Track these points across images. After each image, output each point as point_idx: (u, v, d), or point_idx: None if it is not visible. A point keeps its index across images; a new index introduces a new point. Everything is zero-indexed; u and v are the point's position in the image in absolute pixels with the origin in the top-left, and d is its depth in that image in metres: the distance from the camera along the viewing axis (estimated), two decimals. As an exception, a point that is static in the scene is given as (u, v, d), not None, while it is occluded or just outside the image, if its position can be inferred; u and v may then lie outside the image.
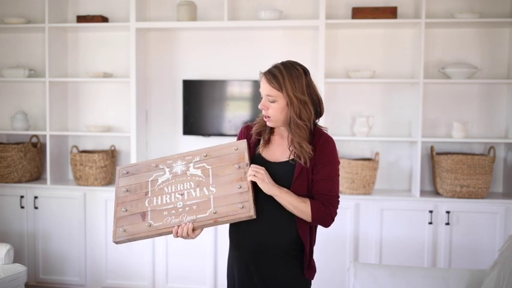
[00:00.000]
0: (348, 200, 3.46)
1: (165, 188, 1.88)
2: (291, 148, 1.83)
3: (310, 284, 1.93)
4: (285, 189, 1.79)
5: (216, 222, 1.79)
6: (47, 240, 3.75)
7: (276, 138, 1.91)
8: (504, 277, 2.03)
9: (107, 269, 3.71)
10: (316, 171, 1.81)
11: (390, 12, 3.51)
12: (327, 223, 1.82)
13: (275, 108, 1.79)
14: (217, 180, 1.85)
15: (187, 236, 1.78)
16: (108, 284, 3.71)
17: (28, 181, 3.87)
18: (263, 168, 1.80)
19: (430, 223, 3.39)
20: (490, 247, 3.35)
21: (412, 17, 3.65)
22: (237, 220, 1.78)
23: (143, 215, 1.85)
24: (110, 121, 4.03)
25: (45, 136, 3.94)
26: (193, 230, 1.78)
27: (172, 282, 3.65)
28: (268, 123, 1.85)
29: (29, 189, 3.76)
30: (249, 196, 1.78)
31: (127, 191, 1.91)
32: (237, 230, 1.90)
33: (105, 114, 4.03)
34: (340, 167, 3.44)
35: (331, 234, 3.40)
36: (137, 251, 3.66)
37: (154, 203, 1.86)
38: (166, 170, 1.91)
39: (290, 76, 1.77)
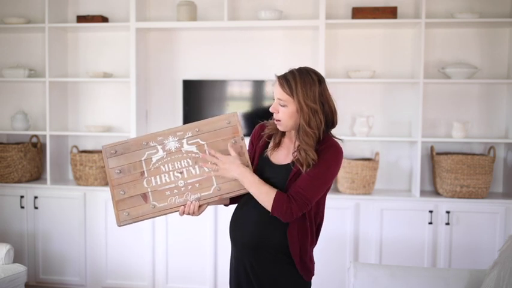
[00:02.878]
0: (348, 200, 3.47)
1: (162, 167, 1.84)
2: (294, 154, 1.81)
3: (307, 285, 1.91)
4: (249, 172, 1.80)
5: (220, 199, 1.88)
6: (47, 240, 3.75)
7: (286, 141, 1.90)
8: (504, 277, 2.03)
9: (107, 269, 3.71)
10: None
11: (390, 12, 3.51)
12: (284, 217, 1.76)
13: (285, 112, 1.78)
14: None
15: (193, 214, 1.85)
16: (108, 284, 3.71)
17: (28, 181, 3.87)
18: (219, 155, 1.81)
19: (430, 223, 3.39)
20: (490, 247, 3.35)
21: (412, 17, 3.65)
22: (241, 194, 1.86)
23: (144, 197, 1.84)
24: (110, 121, 4.03)
25: (45, 136, 3.94)
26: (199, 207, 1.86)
27: (172, 282, 3.65)
28: (278, 127, 1.85)
29: (29, 189, 3.76)
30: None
31: (120, 172, 1.84)
32: (233, 226, 1.93)
33: (105, 114, 4.03)
34: (340, 170, 3.49)
35: (331, 234, 3.40)
36: (137, 251, 3.67)
37: (154, 183, 1.84)
38: (159, 147, 1.85)
39: (303, 83, 1.75)
